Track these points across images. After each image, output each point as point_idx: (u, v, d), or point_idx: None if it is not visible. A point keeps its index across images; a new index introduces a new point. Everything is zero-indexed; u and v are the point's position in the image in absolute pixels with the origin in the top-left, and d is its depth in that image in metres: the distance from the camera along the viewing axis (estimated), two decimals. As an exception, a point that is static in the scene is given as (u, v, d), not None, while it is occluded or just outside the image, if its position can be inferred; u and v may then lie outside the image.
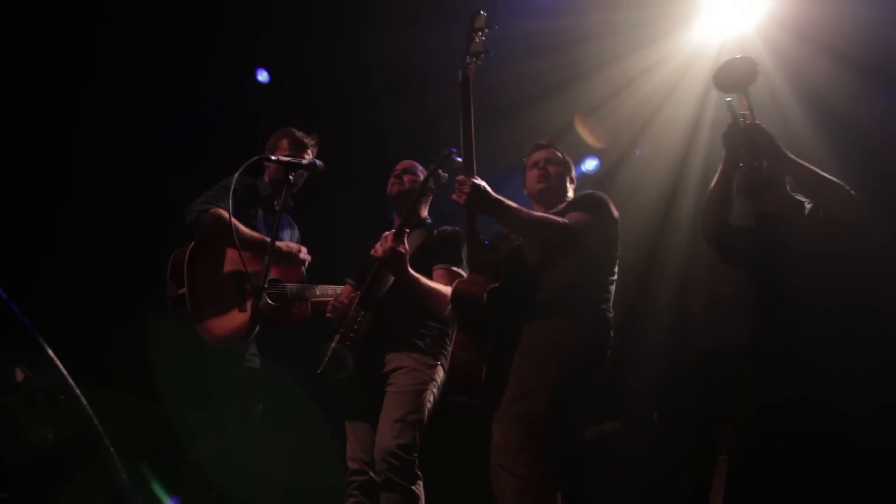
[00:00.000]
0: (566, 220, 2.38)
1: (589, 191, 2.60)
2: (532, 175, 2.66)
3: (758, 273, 2.44)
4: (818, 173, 2.30)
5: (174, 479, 2.66)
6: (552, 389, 2.23)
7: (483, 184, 2.30)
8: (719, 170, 2.43)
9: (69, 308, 3.86)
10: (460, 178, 2.31)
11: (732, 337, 4.43)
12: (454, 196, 2.32)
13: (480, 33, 2.39)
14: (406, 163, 3.06)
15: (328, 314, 2.90)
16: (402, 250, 2.63)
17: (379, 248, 2.66)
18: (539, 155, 2.68)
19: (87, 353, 3.56)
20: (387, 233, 2.72)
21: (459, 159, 2.66)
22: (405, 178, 2.98)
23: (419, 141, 4.67)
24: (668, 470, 4.06)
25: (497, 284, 2.30)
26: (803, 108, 3.78)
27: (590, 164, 5.06)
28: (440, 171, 2.80)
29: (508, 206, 2.33)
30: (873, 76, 3.72)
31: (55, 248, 4.06)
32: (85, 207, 4.16)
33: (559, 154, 2.69)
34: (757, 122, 2.32)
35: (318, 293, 2.98)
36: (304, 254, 3.07)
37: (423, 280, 2.70)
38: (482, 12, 2.41)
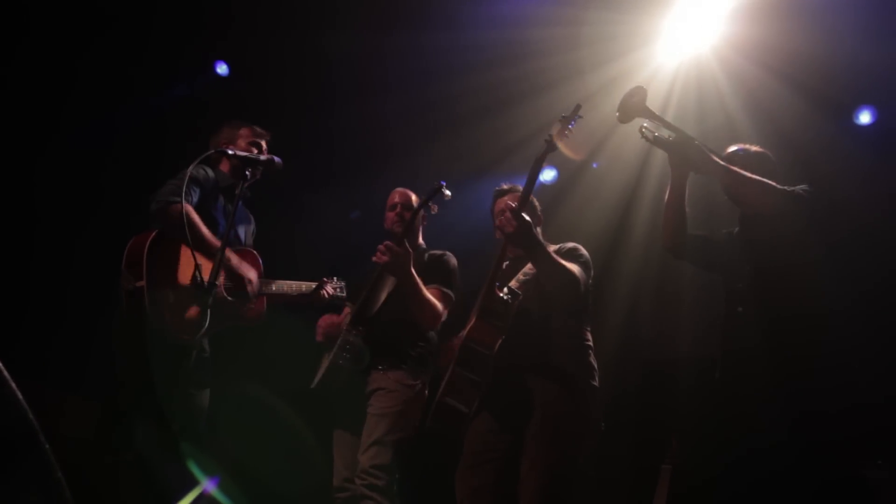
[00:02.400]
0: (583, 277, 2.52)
1: (572, 245, 2.69)
2: None
3: (728, 279, 2.51)
4: (744, 176, 2.34)
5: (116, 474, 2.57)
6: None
7: (530, 220, 2.39)
8: (669, 185, 2.53)
9: (7, 302, 3.71)
10: (508, 206, 2.39)
11: (680, 351, 4.55)
12: (498, 222, 2.40)
13: (574, 122, 2.50)
14: (401, 196, 3.10)
15: (318, 339, 2.93)
16: (406, 250, 2.68)
17: (380, 255, 2.69)
18: (506, 203, 2.71)
19: (24, 346, 3.43)
20: (385, 242, 2.72)
21: (448, 192, 2.79)
22: (406, 215, 3.02)
23: (377, 141, 4.67)
24: (613, 478, 4.12)
25: (504, 336, 2.40)
26: (755, 129, 3.90)
27: (548, 175, 5.12)
28: (430, 203, 2.85)
29: (544, 248, 2.45)
30: (823, 104, 3.87)
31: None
32: (31, 206, 4.00)
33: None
34: (673, 136, 2.40)
35: (274, 288, 2.91)
36: (252, 287, 2.81)
37: (423, 288, 2.76)
38: (579, 104, 2.54)
